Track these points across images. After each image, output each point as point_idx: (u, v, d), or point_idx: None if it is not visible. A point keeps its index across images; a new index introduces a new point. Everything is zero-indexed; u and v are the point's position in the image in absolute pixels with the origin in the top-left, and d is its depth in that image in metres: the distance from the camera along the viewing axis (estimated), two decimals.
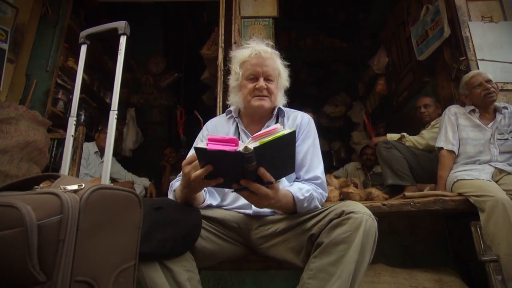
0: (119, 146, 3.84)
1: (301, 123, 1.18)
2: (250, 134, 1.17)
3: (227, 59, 2.21)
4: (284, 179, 1.08)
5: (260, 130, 1.11)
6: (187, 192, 0.91)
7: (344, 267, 0.81)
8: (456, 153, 1.86)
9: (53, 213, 0.54)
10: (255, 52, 1.13)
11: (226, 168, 0.78)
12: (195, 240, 0.94)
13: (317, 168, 1.09)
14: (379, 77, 3.89)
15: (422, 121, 2.44)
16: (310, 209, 0.99)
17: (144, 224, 0.70)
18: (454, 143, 1.85)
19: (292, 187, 0.99)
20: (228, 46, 2.24)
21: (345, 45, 4.52)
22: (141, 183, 3.11)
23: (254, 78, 1.13)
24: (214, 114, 1.94)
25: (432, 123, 2.32)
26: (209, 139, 0.75)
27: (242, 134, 1.19)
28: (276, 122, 1.18)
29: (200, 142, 1.17)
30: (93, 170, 2.85)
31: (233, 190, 0.84)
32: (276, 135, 0.75)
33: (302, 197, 0.96)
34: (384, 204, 1.57)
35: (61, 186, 0.61)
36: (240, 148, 0.72)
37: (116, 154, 3.60)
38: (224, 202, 1.13)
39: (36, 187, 0.66)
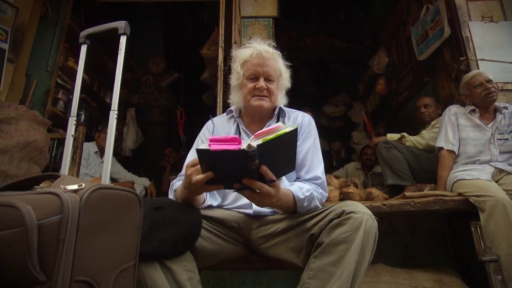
0: (119, 146, 3.84)
1: (302, 123, 1.18)
2: (251, 133, 1.17)
3: (227, 59, 2.22)
4: (284, 178, 1.08)
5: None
6: (187, 193, 0.91)
7: (344, 267, 0.81)
8: (456, 153, 1.86)
9: (53, 213, 0.54)
10: (257, 52, 1.13)
11: (228, 169, 0.78)
12: (195, 240, 0.94)
13: (318, 168, 1.09)
14: (379, 77, 3.89)
15: (422, 121, 2.44)
16: (310, 209, 0.99)
17: (144, 224, 0.70)
18: (454, 143, 1.85)
19: (292, 187, 0.99)
20: (228, 46, 2.24)
21: (345, 45, 4.51)
22: (141, 183, 3.11)
23: (255, 78, 1.13)
24: (214, 114, 1.94)
25: (432, 123, 2.32)
26: (211, 140, 0.74)
27: (243, 134, 1.19)
28: (277, 122, 1.18)
29: (201, 142, 1.18)
30: (93, 170, 2.85)
31: (234, 190, 0.84)
32: (279, 133, 0.75)
33: (302, 197, 0.96)
34: (384, 204, 1.57)
35: (61, 186, 0.61)
36: (243, 146, 0.71)
37: (116, 154, 3.60)
38: (225, 202, 1.13)
39: (36, 187, 0.66)
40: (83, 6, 3.12)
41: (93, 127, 3.33)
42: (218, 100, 2.09)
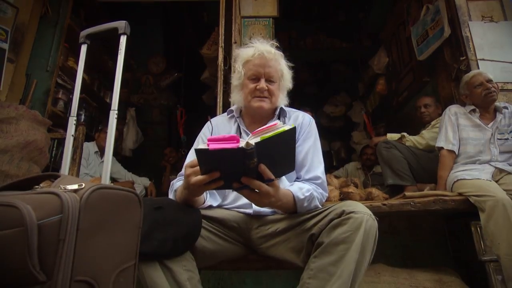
0: (119, 146, 3.84)
1: (302, 123, 1.18)
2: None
3: (227, 59, 2.22)
4: (284, 178, 1.08)
5: None
6: (187, 193, 0.92)
7: (345, 267, 0.81)
8: (456, 153, 1.86)
9: (53, 213, 0.54)
10: (259, 52, 1.12)
11: (227, 168, 0.78)
12: (195, 239, 0.94)
13: (318, 168, 1.09)
14: (379, 77, 3.89)
15: (422, 121, 2.44)
16: (310, 209, 0.99)
17: (144, 224, 0.70)
18: (454, 143, 1.85)
19: (292, 187, 0.99)
20: (228, 46, 2.24)
21: (345, 45, 4.52)
22: (141, 183, 3.11)
23: (256, 78, 1.13)
24: (213, 114, 1.93)
25: (432, 123, 2.32)
26: (209, 140, 0.74)
27: (243, 134, 1.19)
28: None
29: (202, 142, 1.18)
30: (93, 170, 2.85)
31: (233, 189, 0.84)
32: (277, 131, 0.74)
33: (302, 197, 0.96)
34: (384, 204, 1.57)
35: (61, 185, 0.61)
36: (242, 144, 0.71)
37: (116, 153, 3.60)
38: (225, 201, 1.13)
39: (36, 186, 0.66)
40: (83, 6, 3.12)
41: (93, 127, 3.33)
42: (218, 100, 2.09)
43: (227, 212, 1.08)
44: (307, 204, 0.98)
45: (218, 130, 1.22)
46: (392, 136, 2.33)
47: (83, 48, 1.49)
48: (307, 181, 1.06)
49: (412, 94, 3.18)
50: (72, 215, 0.54)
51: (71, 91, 2.73)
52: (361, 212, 0.85)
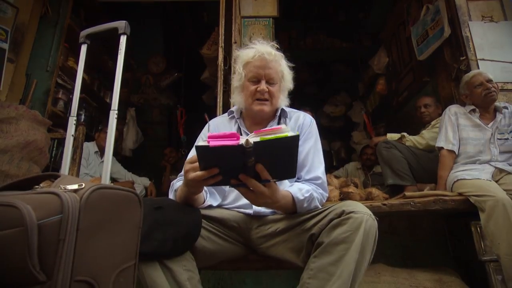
0: (119, 145, 3.84)
1: (303, 124, 1.18)
2: None
3: (227, 59, 2.22)
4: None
5: None
6: (187, 191, 0.91)
7: (344, 267, 0.81)
8: (456, 153, 1.86)
9: (53, 213, 0.54)
10: (259, 54, 1.12)
11: (226, 164, 0.78)
12: (195, 239, 0.94)
13: (318, 168, 1.09)
14: (379, 77, 3.89)
15: (422, 121, 2.44)
16: (310, 209, 0.99)
17: (144, 223, 0.70)
18: (454, 143, 1.85)
19: (292, 188, 0.99)
20: (228, 46, 2.24)
21: (345, 45, 4.52)
22: (141, 183, 3.11)
23: (256, 80, 1.13)
24: (211, 114, 1.94)
25: (432, 123, 2.32)
26: (209, 137, 0.75)
27: (243, 135, 1.19)
28: (278, 123, 1.19)
29: (202, 141, 1.18)
30: (93, 169, 2.85)
31: (230, 186, 0.84)
32: (279, 135, 0.74)
33: (302, 198, 0.96)
34: (384, 204, 1.57)
35: (61, 185, 0.61)
36: (242, 141, 0.72)
37: (116, 153, 3.60)
38: (225, 201, 1.13)
39: (36, 186, 0.67)
40: (83, 6, 3.12)
41: (93, 127, 3.33)
42: (218, 100, 2.09)
43: (227, 212, 1.08)
44: (307, 205, 0.98)
45: (218, 131, 1.22)
46: (392, 136, 2.33)
47: (83, 48, 1.49)
48: (307, 181, 1.06)
49: (412, 94, 3.18)
50: (72, 215, 0.55)
51: (71, 91, 2.73)
52: (361, 212, 0.85)
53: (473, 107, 1.89)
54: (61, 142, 2.44)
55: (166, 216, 0.89)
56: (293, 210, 0.98)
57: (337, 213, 0.87)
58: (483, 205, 1.47)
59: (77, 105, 1.46)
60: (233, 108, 1.27)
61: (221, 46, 2.21)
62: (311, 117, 1.23)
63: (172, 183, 1.10)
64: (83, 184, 0.61)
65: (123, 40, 1.42)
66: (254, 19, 2.51)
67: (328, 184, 1.96)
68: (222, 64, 2.15)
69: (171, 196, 1.07)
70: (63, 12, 2.70)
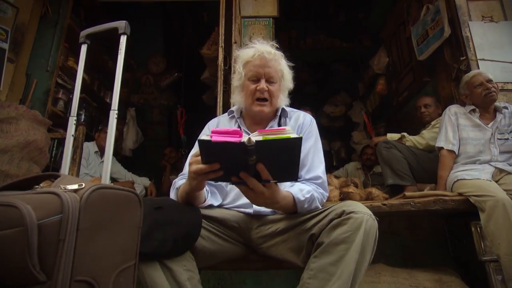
0: (119, 145, 3.84)
1: (303, 123, 1.18)
2: None
3: (227, 59, 2.22)
4: None
5: None
6: (189, 189, 0.92)
7: (345, 267, 0.81)
8: (456, 153, 1.86)
9: (53, 213, 0.54)
10: (259, 53, 1.12)
11: (227, 161, 0.78)
12: (195, 239, 0.94)
13: (318, 168, 1.09)
14: (379, 77, 3.89)
15: (422, 121, 2.44)
16: (311, 209, 0.99)
17: (144, 223, 0.70)
18: (454, 143, 1.85)
19: (292, 188, 0.99)
20: (228, 46, 2.24)
21: (345, 45, 4.52)
22: (141, 183, 3.11)
23: (256, 79, 1.13)
24: (214, 114, 1.94)
25: (433, 123, 2.32)
26: (213, 132, 0.75)
27: (244, 135, 1.19)
28: (278, 123, 1.19)
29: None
30: (93, 169, 2.85)
31: (231, 182, 0.84)
32: (282, 135, 0.74)
33: (303, 198, 0.96)
34: (384, 204, 1.57)
35: (61, 185, 0.61)
36: (244, 139, 0.72)
37: (116, 153, 3.60)
38: (225, 201, 1.13)
39: (37, 186, 0.67)
40: (83, 6, 3.11)
41: (93, 127, 3.33)
42: (218, 100, 2.09)
43: (227, 212, 1.08)
44: (308, 205, 0.98)
45: None
46: (392, 136, 2.33)
47: (83, 48, 1.49)
48: (308, 180, 1.06)
49: (412, 94, 3.18)
50: (72, 215, 0.55)
51: (71, 91, 2.73)
52: (361, 212, 0.85)
53: (473, 107, 1.89)
54: (61, 142, 2.44)
55: (166, 216, 0.89)
56: (293, 210, 0.98)
57: (337, 213, 0.87)
58: (483, 205, 1.47)
59: (77, 105, 1.46)
60: (233, 108, 1.27)
61: (221, 46, 2.21)
62: (311, 116, 1.23)
63: (174, 181, 1.10)
64: (83, 184, 0.61)
65: (123, 40, 1.42)
66: (254, 19, 2.51)
67: (328, 184, 1.95)
68: (222, 64, 2.15)
69: (172, 194, 1.07)
70: (63, 12, 2.70)
